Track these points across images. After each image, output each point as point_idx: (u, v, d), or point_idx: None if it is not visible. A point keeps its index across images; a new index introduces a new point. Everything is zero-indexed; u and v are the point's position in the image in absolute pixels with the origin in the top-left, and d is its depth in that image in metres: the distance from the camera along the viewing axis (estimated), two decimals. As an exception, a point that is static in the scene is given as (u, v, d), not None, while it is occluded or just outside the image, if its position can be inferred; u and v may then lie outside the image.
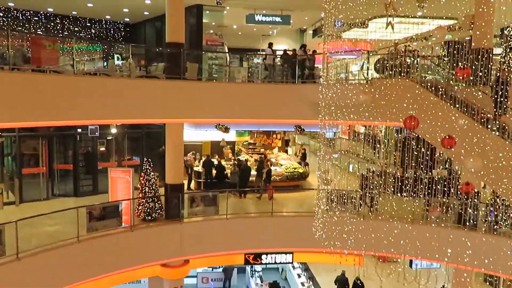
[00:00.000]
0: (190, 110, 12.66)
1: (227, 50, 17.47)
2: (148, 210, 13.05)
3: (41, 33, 18.90)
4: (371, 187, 14.46)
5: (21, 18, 18.29)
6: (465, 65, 7.81)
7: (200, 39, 16.20)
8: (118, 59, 13.78)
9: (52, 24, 19.24)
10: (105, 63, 14.66)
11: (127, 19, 20.11)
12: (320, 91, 10.89)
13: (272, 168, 18.63)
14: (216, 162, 17.63)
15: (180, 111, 12.55)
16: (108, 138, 16.83)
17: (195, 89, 12.92)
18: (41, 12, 18.59)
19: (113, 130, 15.53)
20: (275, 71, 15.66)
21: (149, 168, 13.35)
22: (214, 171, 17.16)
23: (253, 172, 17.28)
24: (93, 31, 20.33)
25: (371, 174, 15.98)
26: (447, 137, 6.31)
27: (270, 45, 15.63)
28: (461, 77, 6.61)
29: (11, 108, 9.33)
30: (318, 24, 18.86)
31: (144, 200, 13.00)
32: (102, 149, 16.99)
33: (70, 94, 10.42)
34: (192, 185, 17.69)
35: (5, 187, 15.14)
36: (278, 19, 16.56)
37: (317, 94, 13.71)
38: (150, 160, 13.52)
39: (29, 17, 18.54)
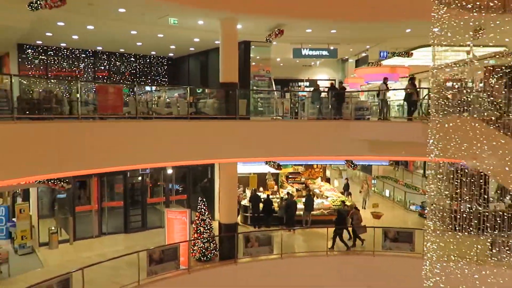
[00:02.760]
0: (242, 150, 12.61)
1: (274, 86, 17.50)
2: (204, 250, 12.96)
3: (89, 70, 19.45)
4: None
5: (70, 56, 18.82)
6: None
7: (248, 75, 16.24)
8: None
9: (99, 60, 19.74)
10: (156, 103, 14.81)
11: (171, 54, 20.45)
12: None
13: (318, 200, 18.39)
14: (263, 196, 17.54)
15: (232, 151, 12.49)
16: (156, 173, 16.95)
17: (247, 128, 12.87)
18: (89, 50, 19.09)
19: (169, 171, 15.62)
20: (322, 105, 15.50)
21: (204, 207, 13.29)
22: (261, 205, 17.08)
23: (300, 206, 17.11)
24: (137, 65, 20.72)
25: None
26: None
27: (385, 79, 14.42)
28: None
29: (82, 157, 9.42)
30: (363, 55, 18.70)
31: (199, 241, 12.92)
32: (151, 185, 17.12)
33: (133, 139, 10.51)
34: (239, 219, 17.57)
35: (57, 224, 15.30)
36: (325, 52, 16.49)
37: (369, 130, 13.62)
38: (204, 199, 13.46)
39: (77, 54, 19.07)
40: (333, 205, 17.92)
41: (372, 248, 14.02)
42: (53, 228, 14.47)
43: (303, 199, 17.96)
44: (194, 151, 11.82)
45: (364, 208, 18.91)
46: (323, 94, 15.68)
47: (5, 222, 14.47)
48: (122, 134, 10.41)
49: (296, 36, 15.49)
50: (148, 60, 20.91)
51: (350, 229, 15.09)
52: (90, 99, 11.66)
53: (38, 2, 9.97)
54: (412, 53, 18.91)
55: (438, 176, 7.62)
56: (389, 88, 14.31)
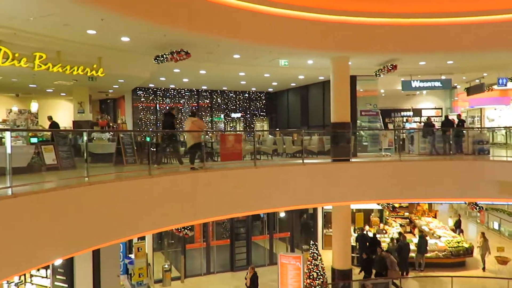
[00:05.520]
0: (354, 192, 11.97)
1: (381, 120, 16.76)
2: (317, 297, 12.46)
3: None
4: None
5: (177, 96, 19.79)
6: None
7: (354, 110, 15.72)
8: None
9: (202, 98, 20.52)
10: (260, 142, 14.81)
11: (270, 89, 20.65)
12: None
13: (431, 241, 17.00)
14: (370, 235, 16.64)
15: (344, 194, 11.93)
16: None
17: (357, 168, 12.25)
18: (194, 89, 19.94)
19: (282, 214, 15.49)
20: (435, 140, 14.49)
21: (316, 251, 12.86)
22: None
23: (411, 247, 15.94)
24: (236, 101, 21.21)
25: None
26: None
27: None
28: None
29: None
30: (476, 81, 17.27)
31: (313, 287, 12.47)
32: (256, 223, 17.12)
33: (249, 186, 10.45)
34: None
35: (166, 260, 15.71)
36: (437, 83, 15.44)
37: (502, 170, 12.28)
38: (316, 243, 13.03)
39: (183, 93, 19.99)
40: (449, 247, 16.42)
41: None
42: (166, 266, 14.89)
43: (413, 239, 16.77)
44: (305, 195, 11.47)
45: (483, 270, 15.80)
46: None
47: (123, 258, 15.20)
48: (241, 180, 10.41)
49: (406, 69, 14.74)
50: (246, 95, 21.31)
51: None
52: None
53: (165, 56, 10.47)
54: (533, 78, 17.14)
55: None
56: None
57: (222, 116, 21.13)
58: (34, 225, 6.07)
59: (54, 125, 13.03)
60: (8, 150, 6.11)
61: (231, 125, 21.46)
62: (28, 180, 7.20)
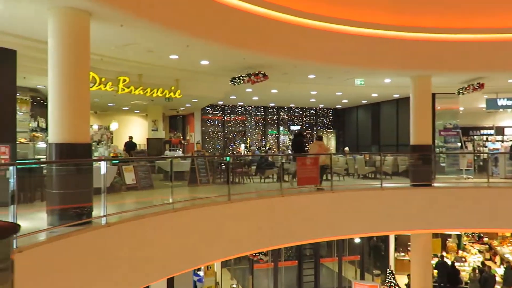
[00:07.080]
0: (439, 220, 11.12)
1: (462, 140, 15.69)
2: (394, 331, 11.73)
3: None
4: None
5: (244, 112, 19.89)
6: None
7: (433, 129, 14.84)
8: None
9: (269, 113, 20.47)
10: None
11: (338, 106, 20.17)
12: None
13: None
14: (449, 263, 15.53)
15: (428, 222, 11.11)
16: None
17: (442, 195, 11.41)
18: (261, 106, 19.94)
19: (357, 240, 14.96)
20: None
21: (393, 281, 12.15)
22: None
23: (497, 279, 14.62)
24: (303, 117, 20.93)
25: None
26: None
27: None
28: None
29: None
30: None
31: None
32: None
33: (324, 211, 10.08)
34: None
35: (232, 277, 15.64)
36: (527, 101, 14.24)
37: None
38: (393, 272, 12.32)
39: (250, 110, 20.05)
40: (540, 281, 14.88)
41: None
42: (234, 285, 14.81)
43: (497, 269, 15.41)
44: (384, 222, 10.84)
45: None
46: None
47: (192, 276, 15.31)
48: (318, 205, 10.06)
49: (491, 86, 13.69)
50: (313, 112, 20.96)
51: None
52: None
53: (241, 78, 10.45)
54: None
55: None
56: None
57: (286, 130, 20.97)
58: (122, 253, 6.12)
59: (129, 143, 13.52)
60: (103, 181, 6.19)
61: (290, 137, 21.25)
62: (111, 201, 7.35)
